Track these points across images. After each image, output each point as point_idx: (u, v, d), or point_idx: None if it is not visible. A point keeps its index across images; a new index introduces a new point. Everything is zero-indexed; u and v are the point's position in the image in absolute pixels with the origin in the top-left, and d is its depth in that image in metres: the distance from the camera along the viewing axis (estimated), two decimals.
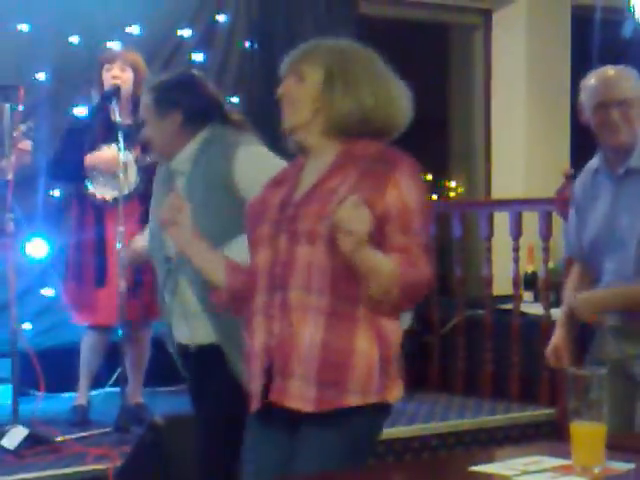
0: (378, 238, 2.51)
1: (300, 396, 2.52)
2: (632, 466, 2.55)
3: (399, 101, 2.70)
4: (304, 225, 2.53)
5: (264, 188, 2.75)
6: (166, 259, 3.19)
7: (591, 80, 3.37)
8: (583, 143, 7.66)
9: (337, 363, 2.51)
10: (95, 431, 4.66)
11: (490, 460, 2.61)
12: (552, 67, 7.52)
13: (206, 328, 3.13)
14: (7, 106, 4.52)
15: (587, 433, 2.50)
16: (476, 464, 2.57)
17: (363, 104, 2.62)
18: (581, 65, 7.59)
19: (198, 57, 6.22)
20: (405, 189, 2.54)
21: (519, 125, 7.53)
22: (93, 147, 4.94)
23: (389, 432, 4.97)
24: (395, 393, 2.63)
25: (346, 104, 2.61)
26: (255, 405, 2.60)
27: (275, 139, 6.71)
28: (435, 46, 7.90)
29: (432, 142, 8.25)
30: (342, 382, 2.51)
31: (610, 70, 3.40)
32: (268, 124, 6.43)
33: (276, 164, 3.08)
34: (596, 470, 2.50)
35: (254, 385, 2.61)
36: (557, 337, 3.49)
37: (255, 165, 3.18)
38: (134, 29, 5.94)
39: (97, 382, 5.24)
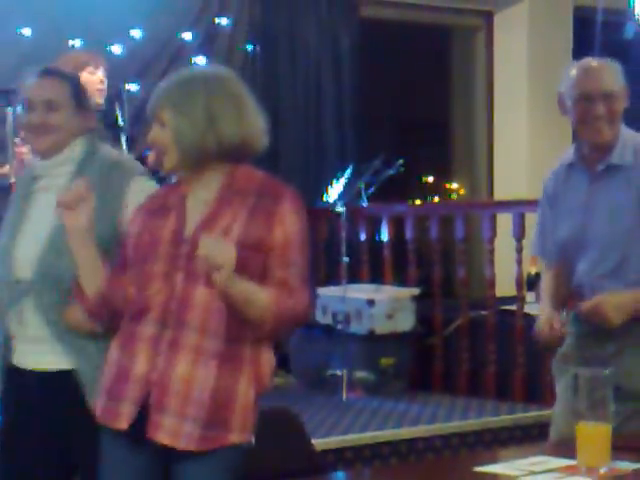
0: (262, 272, 2.54)
1: (180, 434, 2.51)
2: (638, 466, 2.55)
3: (234, 123, 2.61)
4: (200, 267, 2.51)
5: (141, 217, 2.67)
6: (16, 281, 2.87)
7: (574, 70, 3.22)
8: None
9: (223, 404, 2.53)
10: None
11: (495, 461, 2.61)
12: (554, 69, 7.46)
13: (55, 354, 2.86)
14: (10, 110, 4.51)
15: (592, 434, 2.50)
16: (481, 465, 2.57)
17: (191, 135, 2.57)
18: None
19: (200, 60, 6.22)
20: (288, 224, 2.58)
21: (521, 126, 7.53)
22: None
23: (393, 433, 4.98)
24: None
25: (184, 139, 2.58)
26: (121, 426, 2.55)
27: (277, 141, 6.75)
28: (436, 48, 7.90)
29: (434, 144, 8.27)
30: (226, 422, 2.53)
31: (594, 61, 3.25)
32: (269, 126, 6.50)
33: None
34: (602, 470, 2.49)
35: (122, 406, 2.56)
36: (546, 312, 3.26)
37: None
38: (136, 32, 5.94)
39: None
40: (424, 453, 4.96)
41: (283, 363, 6.35)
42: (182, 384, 2.51)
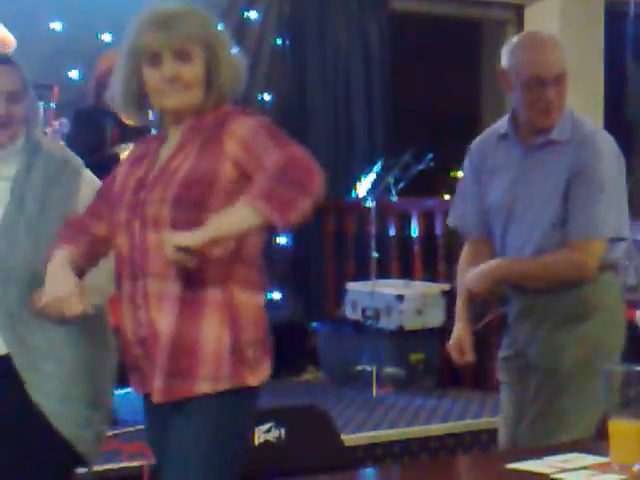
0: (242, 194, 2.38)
1: (150, 384, 2.47)
2: None
3: (243, 66, 2.58)
4: (150, 210, 2.44)
5: (123, 167, 2.62)
6: None
7: (522, 47, 3.08)
8: (615, 135, 7.64)
9: (185, 351, 2.42)
10: (129, 428, 4.68)
11: (527, 457, 2.60)
12: (585, 62, 7.47)
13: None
14: (41, 104, 4.55)
15: (625, 431, 2.49)
16: (513, 462, 2.57)
17: (236, 72, 2.54)
18: (614, 60, 7.57)
19: None
20: (238, 130, 2.42)
21: None
22: (111, 146, 4.93)
23: (423, 430, 4.98)
24: (258, 375, 2.47)
25: (226, 78, 2.52)
26: (140, 390, 2.54)
27: (306, 135, 6.75)
28: (467, 42, 7.88)
29: (464, 138, 8.24)
30: (189, 371, 2.42)
31: (543, 38, 3.13)
32: (299, 121, 6.53)
33: None
34: (635, 467, 2.48)
35: (133, 375, 2.55)
36: (458, 331, 3.24)
37: None
38: None
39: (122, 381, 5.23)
40: (454, 449, 4.96)
41: (312, 359, 6.37)
42: (152, 333, 2.45)
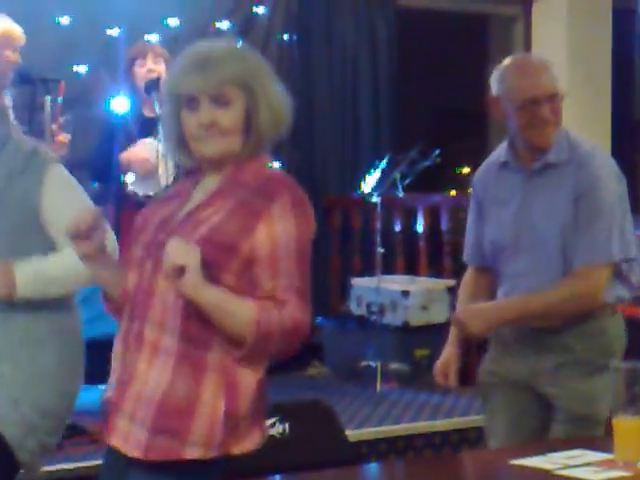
0: (246, 284, 2.32)
1: (129, 438, 2.33)
2: None
3: (287, 106, 2.45)
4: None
5: (154, 203, 2.58)
6: None
7: (511, 73, 3.07)
8: (623, 133, 7.63)
9: (177, 411, 2.29)
10: None
11: (531, 454, 2.60)
12: (593, 58, 7.46)
13: None
14: (48, 99, 4.55)
15: (630, 428, 2.49)
16: (517, 458, 2.56)
17: (278, 116, 2.41)
18: (622, 56, 7.55)
19: None
20: (278, 225, 2.31)
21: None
22: (130, 141, 4.95)
23: (427, 425, 4.98)
24: (243, 446, 2.36)
25: (266, 122, 2.39)
26: (105, 440, 2.42)
27: (313, 130, 6.75)
28: (474, 38, 7.87)
29: (470, 134, 8.24)
30: (182, 431, 2.29)
31: (530, 61, 3.16)
32: (306, 116, 6.52)
33: (83, 199, 2.86)
34: (639, 465, 2.48)
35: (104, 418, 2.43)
36: (446, 354, 3.24)
37: (66, 200, 2.78)
38: (173, 21, 5.96)
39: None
40: (458, 445, 4.96)
41: (317, 354, 6.37)
42: (138, 383, 2.34)
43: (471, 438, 5.03)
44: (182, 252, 2.26)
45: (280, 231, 2.31)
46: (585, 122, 7.42)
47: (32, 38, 4.95)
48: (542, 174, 3.07)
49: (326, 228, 6.62)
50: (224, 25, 6.21)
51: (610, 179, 3.06)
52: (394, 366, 5.79)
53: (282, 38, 6.43)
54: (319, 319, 6.39)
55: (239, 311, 2.29)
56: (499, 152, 3.19)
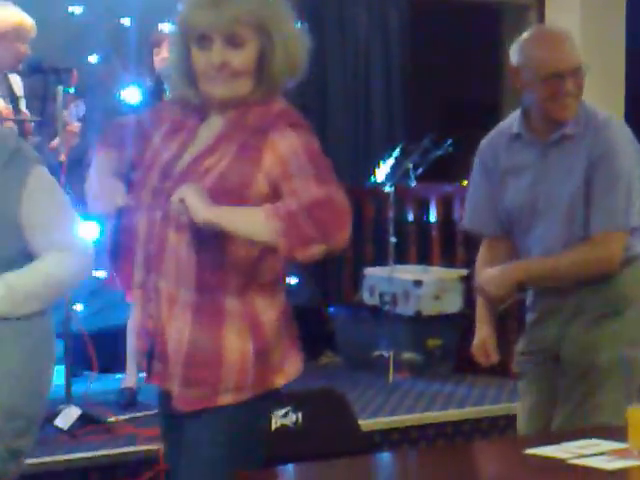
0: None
1: (171, 391, 2.38)
2: None
3: (304, 49, 2.40)
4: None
5: (163, 134, 2.43)
6: None
7: (536, 44, 3.04)
8: (635, 117, 7.61)
9: (205, 363, 2.32)
10: (145, 412, 4.69)
11: (545, 443, 2.59)
12: (606, 46, 7.43)
13: None
14: (60, 88, 4.55)
15: None
16: (531, 447, 2.56)
17: (294, 59, 2.37)
18: (636, 44, 7.51)
19: None
20: (280, 146, 2.27)
21: None
22: None
23: (440, 415, 4.98)
24: (285, 375, 2.40)
25: (281, 66, 2.34)
26: (148, 380, 2.46)
27: (326, 120, 6.72)
28: (487, 27, 7.84)
29: (483, 124, 8.20)
30: (210, 382, 2.33)
31: (556, 33, 3.12)
32: (318, 105, 6.51)
33: (65, 203, 2.81)
34: None
35: (143, 363, 2.45)
36: (482, 332, 3.22)
37: (47, 206, 2.72)
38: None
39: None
40: (471, 435, 4.96)
41: (329, 343, 6.37)
42: (165, 336, 2.35)
43: (483, 428, 5.03)
44: (188, 195, 2.22)
45: (283, 149, 2.28)
46: (599, 105, 7.39)
47: (44, 28, 4.96)
48: (559, 146, 3.08)
49: None
50: None
51: (626, 146, 3.08)
52: (406, 356, 5.79)
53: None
54: (331, 309, 6.40)
55: (256, 213, 2.23)
56: (510, 122, 3.16)
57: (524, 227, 3.14)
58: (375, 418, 4.82)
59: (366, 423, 4.53)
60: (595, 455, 2.48)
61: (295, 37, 2.37)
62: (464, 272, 5.95)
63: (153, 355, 2.39)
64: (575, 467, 2.40)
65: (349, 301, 6.49)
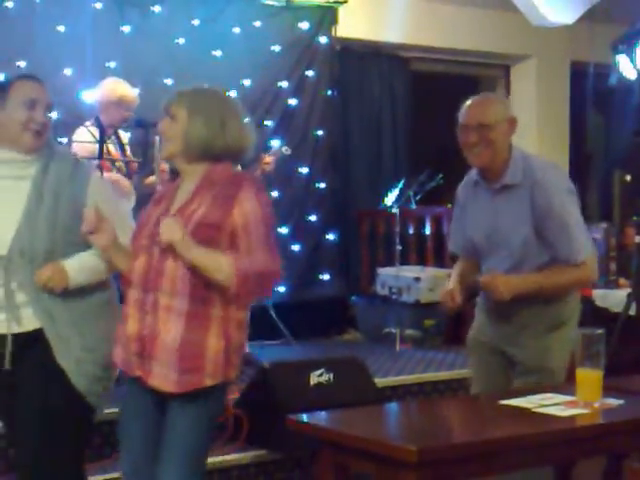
0: (235, 249, 2.34)
1: (164, 379, 2.35)
2: (622, 402, 2.47)
3: (235, 132, 2.42)
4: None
5: (148, 205, 2.54)
6: None
7: (464, 105, 2.91)
8: (577, 166, 7.49)
9: (194, 355, 2.33)
10: None
11: (514, 396, 2.53)
12: (555, 108, 7.38)
13: (29, 316, 2.50)
14: (157, 138, 4.51)
15: (588, 377, 2.43)
16: (504, 399, 2.50)
17: (202, 133, 2.39)
18: (576, 104, 7.45)
19: (292, 102, 6.20)
20: (246, 206, 2.34)
21: (531, 151, 7.39)
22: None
23: (434, 375, 4.91)
24: (235, 372, 2.43)
25: (195, 134, 2.40)
26: (135, 374, 2.41)
27: (348, 159, 6.68)
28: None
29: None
30: (199, 368, 2.34)
31: (479, 97, 2.94)
32: (343, 150, 6.49)
33: (116, 200, 2.73)
34: (595, 404, 2.42)
35: (133, 359, 2.40)
36: (450, 285, 3.00)
37: (106, 197, 2.62)
38: (247, 82, 5.94)
39: None
40: (457, 390, 4.88)
41: (352, 324, 6.32)
42: (162, 337, 2.34)
43: (467, 385, 4.92)
44: (169, 229, 2.30)
45: (247, 208, 2.34)
46: (549, 156, 7.33)
47: (146, 93, 4.96)
48: (502, 193, 2.88)
49: (359, 231, 6.58)
50: (284, 84, 6.16)
51: (563, 192, 2.85)
52: (409, 332, 5.73)
53: (326, 93, 6.37)
54: (353, 298, 6.35)
55: (220, 262, 2.30)
56: (474, 172, 3.01)
57: (483, 255, 2.99)
58: (386, 378, 4.76)
59: (380, 381, 4.46)
60: (552, 405, 2.43)
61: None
62: (451, 271, 5.86)
63: (144, 355, 2.37)
64: (538, 414, 2.35)
65: (366, 292, 6.43)
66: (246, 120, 2.47)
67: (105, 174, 4.28)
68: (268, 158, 4.88)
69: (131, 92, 4.67)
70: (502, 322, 2.96)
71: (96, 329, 2.55)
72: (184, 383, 2.34)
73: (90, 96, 4.67)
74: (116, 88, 4.62)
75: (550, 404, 2.43)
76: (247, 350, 4.98)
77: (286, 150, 4.95)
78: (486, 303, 3.04)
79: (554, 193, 2.82)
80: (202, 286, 2.33)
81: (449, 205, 7.31)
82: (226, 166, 2.44)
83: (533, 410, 2.38)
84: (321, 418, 2.49)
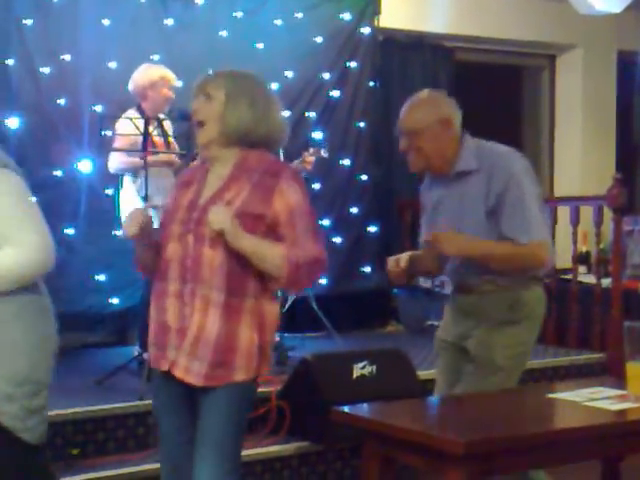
0: (273, 238, 2.28)
1: (194, 372, 2.29)
2: None
3: (276, 119, 2.36)
4: (207, 230, 2.27)
5: (176, 188, 2.44)
6: None
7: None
8: (625, 154, 7.37)
9: (227, 348, 2.27)
10: None
11: (563, 390, 2.50)
12: (602, 98, 7.26)
13: None
14: None
15: (639, 370, 2.38)
16: (552, 393, 2.46)
17: (245, 118, 2.31)
18: (623, 94, 7.32)
19: (335, 94, 6.17)
20: (289, 196, 2.28)
21: (576, 145, 7.30)
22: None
23: None
24: (267, 367, 2.37)
25: (235, 118, 2.31)
26: (164, 367, 2.33)
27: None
28: (510, 82, 7.69)
29: None
30: (230, 363, 2.27)
31: (413, 99, 2.88)
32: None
33: (28, 205, 2.33)
34: None
35: (167, 352, 2.32)
36: (404, 255, 2.93)
37: (5, 206, 2.28)
38: (289, 73, 5.93)
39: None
40: None
41: (394, 315, 6.29)
42: (196, 329, 2.27)
43: None
44: (218, 217, 2.23)
45: (290, 198, 2.29)
46: (595, 147, 7.22)
47: (189, 85, 4.95)
48: (458, 180, 2.81)
49: (401, 224, 6.54)
50: (326, 76, 6.14)
51: (524, 174, 2.75)
52: None
53: (369, 85, 6.34)
54: (395, 290, 6.32)
55: (272, 251, 2.26)
56: None
57: None
58: (428, 370, 4.72)
59: (422, 374, 4.43)
60: (602, 399, 2.39)
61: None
62: None
63: (181, 347, 2.29)
64: (588, 407, 2.31)
65: (408, 285, 6.39)
66: (281, 107, 2.41)
67: (153, 157, 4.32)
68: (310, 157, 4.87)
69: (170, 72, 4.68)
70: (462, 317, 2.91)
71: (4, 339, 2.26)
72: (214, 377, 2.28)
73: (129, 86, 4.69)
74: (149, 69, 4.64)
75: (599, 398, 2.39)
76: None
77: (324, 153, 4.94)
78: (450, 298, 2.99)
79: (511, 174, 2.73)
80: (237, 277, 2.27)
81: None
82: (262, 153, 2.37)
83: (583, 404, 2.34)
84: (366, 410, 2.48)
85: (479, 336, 2.85)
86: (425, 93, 2.93)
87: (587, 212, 5.59)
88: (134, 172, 4.51)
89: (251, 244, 2.25)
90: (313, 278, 2.35)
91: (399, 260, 2.90)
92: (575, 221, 5.57)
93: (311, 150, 4.96)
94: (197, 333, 2.27)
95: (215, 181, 2.35)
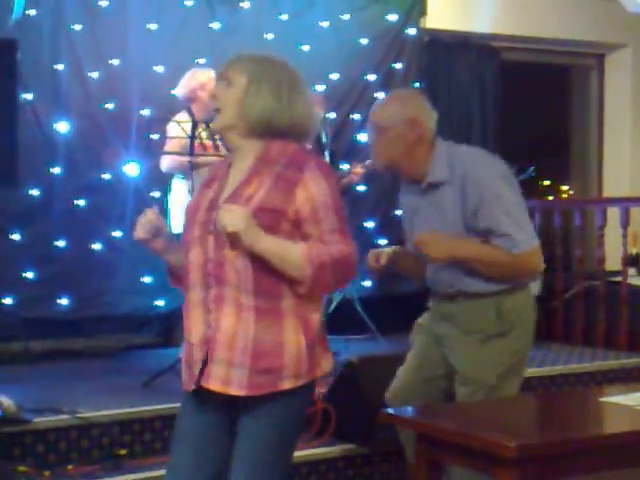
0: (298, 236, 2.08)
1: (230, 380, 2.07)
2: None
3: (302, 107, 2.15)
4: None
5: (200, 187, 2.26)
6: None
7: None
8: None
9: (270, 354, 2.06)
10: None
11: (614, 394, 2.44)
12: None
13: None
14: None
15: None
16: (604, 396, 2.41)
17: (267, 106, 2.12)
18: None
19: (380, 95, 6.12)
20: (313, 189, 2.06)
21: (625, 143, 7.18)
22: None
23: (532, 371, 4.79)
24: (324, 368, 2.17)
25: (256, 105, 2.12)
26: (190, 388, 2.15)
27: None
28: (560, 83, 7.59)
29: (555, 155, 7.97)
30: (275, 370, 2.06)
31: (386, 97, 2.84)
32: None
33: None
34: None
35: (194, 369, 2.13)
36: (387, 250, 2.86)
37: None
38: (334, 75, 5.92)
39: None
40: (549, 387, 4.76)
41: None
42: (228, 335, 2.07)
43: (557, 382, 4.82)
44: (231, 218, 2.03)
45: (315, 191, 2.07)
46: None
47: None
48: (430, 191, 2.76)
49: None
50: (371, 78, 6.12)
51: (497, 175, 2.71)
52: None
53: (414, 86, 6.30)
54: None
55: (293, 252, 2.05)
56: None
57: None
58: None
59: None
60: None
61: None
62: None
63: (208, 360, 2.10)
64: None
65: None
66: (309, 94, 2.21)
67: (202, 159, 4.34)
68: (359, 169, 4.81)
69: (214, 73, 4.70)
70: (445, 321, 2.83)
71: None
72: (257, 385, 2.07)
73: (178, 91, 4.72)
74: (197, 72, 4.68)
75: None
76: None
77: (374, 165, 4.90)
78: (431, 300, 2.92)
79: (486, 184, 2.67)
80: (266, 278, 2.07)
81: (550, 197, 7.17)
82: (286, 143, 2.15)
83: (635, 407, 2.29)
84: (414, 412, 2.45)
85: (467, 352, 2.75)
86: (399, 91, 2.92)
87: (637, 213, 5.49)
88: (184, 173, 4.55)
89: (270, 245, 2.04)
90: (342, 279, 2.11)
91: (379, 256, 2.85)
92: (625, 222, 5.48)
93: (367, 162, 4.80)
94: (228, 339, 2.08)
95: (237, 176, 2.16)
